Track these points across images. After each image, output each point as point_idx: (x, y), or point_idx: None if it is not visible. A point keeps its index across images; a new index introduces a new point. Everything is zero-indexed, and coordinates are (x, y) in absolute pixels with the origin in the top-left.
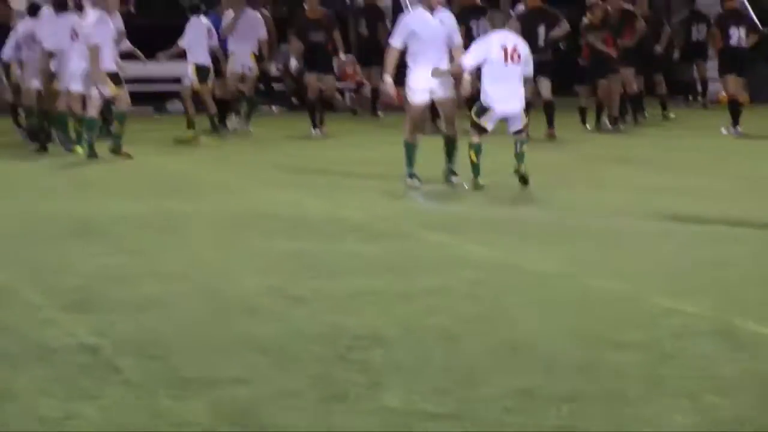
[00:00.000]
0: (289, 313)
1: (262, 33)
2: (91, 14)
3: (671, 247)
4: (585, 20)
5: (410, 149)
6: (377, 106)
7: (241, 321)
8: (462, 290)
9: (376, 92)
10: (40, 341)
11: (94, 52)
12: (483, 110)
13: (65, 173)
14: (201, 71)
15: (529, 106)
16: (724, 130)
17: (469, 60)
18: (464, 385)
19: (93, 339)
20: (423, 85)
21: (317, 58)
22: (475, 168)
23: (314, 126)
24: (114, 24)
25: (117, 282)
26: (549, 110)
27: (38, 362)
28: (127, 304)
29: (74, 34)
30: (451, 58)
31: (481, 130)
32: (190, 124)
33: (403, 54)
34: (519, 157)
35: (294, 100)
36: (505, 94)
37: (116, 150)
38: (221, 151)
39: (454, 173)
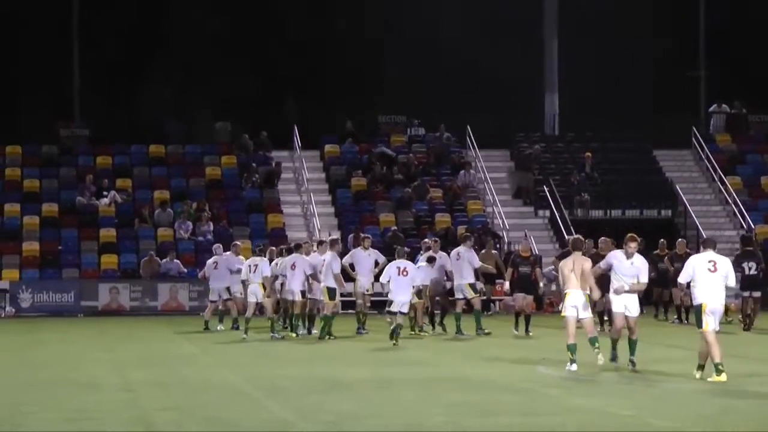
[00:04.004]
0: None
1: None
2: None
3: (704, 396)
4: None
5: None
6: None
7: None
8: (570, 427)
9: None
10: None
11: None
12: None
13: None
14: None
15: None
16: None
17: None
18: None
19: None
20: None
21: (524, 283)
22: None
23: (516, 327)
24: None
25: (354, 419)
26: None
27: None
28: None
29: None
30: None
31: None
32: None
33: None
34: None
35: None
36: None
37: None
38: (428, 341)
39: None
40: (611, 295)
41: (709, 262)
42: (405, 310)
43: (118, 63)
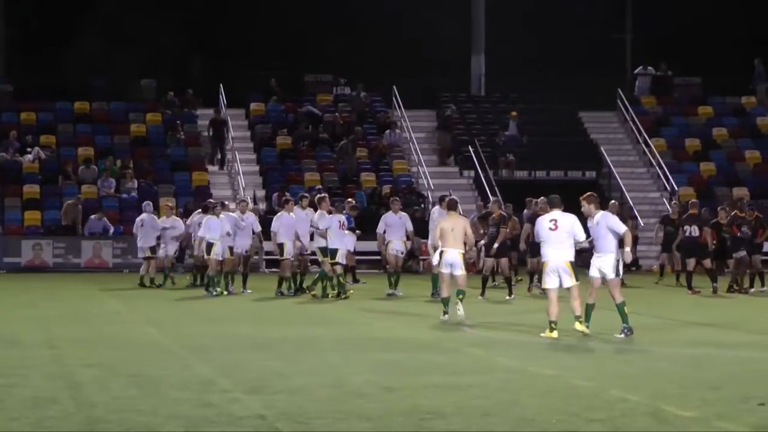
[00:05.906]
0: (383, 396)
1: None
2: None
3: (625, 357)
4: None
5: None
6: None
7: (353, 401)
8: (493, 385)
9: None
10: (229, 412)
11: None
12: None
13: (243, 307)
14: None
15: None
16: None
17: None
18: None
19: (263, 411)
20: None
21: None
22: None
23: (529, 289)
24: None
25: (277, 377)
26: None
27: (229, 425)
28: (284, 390)
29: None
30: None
31: None
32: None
33: None
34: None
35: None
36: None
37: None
38: (356, 301)
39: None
40: (594, 261)
41: (551, 221)
42: (344, 261)
43: (42, 19)
